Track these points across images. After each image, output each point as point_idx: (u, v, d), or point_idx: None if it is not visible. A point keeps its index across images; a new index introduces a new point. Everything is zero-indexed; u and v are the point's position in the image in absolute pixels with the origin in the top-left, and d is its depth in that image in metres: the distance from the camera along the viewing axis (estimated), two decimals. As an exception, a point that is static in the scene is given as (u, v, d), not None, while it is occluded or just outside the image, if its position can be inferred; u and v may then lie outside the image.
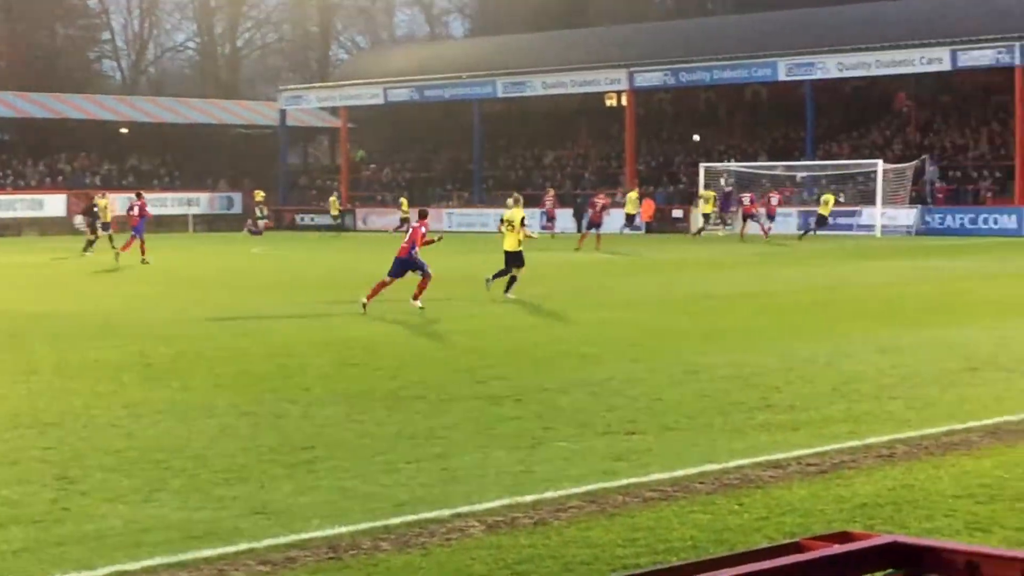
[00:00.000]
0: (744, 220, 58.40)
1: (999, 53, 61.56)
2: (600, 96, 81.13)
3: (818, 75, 66.87)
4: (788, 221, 63.53)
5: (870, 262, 41.03)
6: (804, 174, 66.17)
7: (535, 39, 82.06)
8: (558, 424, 13.43)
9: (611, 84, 74.83)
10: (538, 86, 76.22)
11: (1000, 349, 18.89)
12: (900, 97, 73.32)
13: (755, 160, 70.06)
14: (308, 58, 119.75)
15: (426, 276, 26.25)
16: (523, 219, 29.53)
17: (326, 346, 20.20)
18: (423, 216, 28.09)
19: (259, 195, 62.49)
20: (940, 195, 63.24)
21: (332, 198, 74.22)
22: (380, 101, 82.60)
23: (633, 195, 61.68)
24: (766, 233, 56.19)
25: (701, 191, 62.57)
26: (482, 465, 11.60)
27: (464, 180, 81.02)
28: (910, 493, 10.34)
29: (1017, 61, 60.96)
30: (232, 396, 15.41)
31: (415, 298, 26.16)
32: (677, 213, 68.16)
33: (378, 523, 9.71)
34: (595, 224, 51.41)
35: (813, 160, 67.38)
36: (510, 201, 30.42)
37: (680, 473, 11.19)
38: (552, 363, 18.02)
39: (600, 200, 52.85)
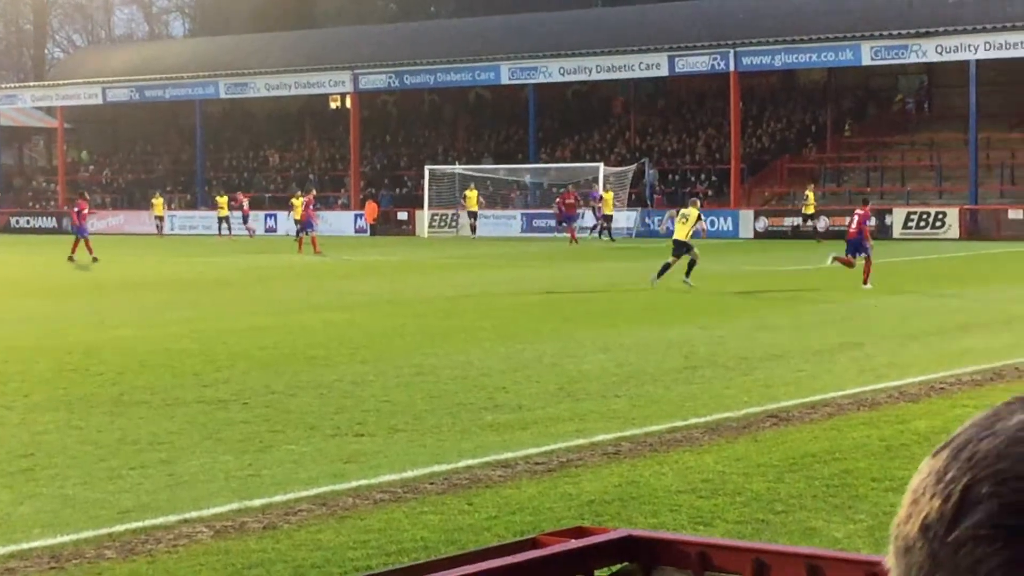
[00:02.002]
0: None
1: (714, 59, 63.29)
2: (324, 98, 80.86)
3: (540, 79, 67.76)
4: (512, 224, 64.32)
5: (592, 263, 41.73)
6: (529, 177, 66.99)
7: (258, 39, 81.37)
8: (286, 427, 13.31)
9: (335, 86, 74.61)
10: (261, 87, 75.56)
11: (718, 348, 19.38)
12: (620, 101, 74.84)
13: (480, 162, 70.68)
14: (22, 56, 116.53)
15: (870, 258, 30.20)
16: (699, 216, 32.36)
17: (45, 351, 19.66)
18: (866, 203, 32.41)
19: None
20: (659, 197, 64.72)
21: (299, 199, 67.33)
22: (99, 101, 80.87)
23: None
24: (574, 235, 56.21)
25: (601, 192, 59.43)
26: (209, 470, 11.42)
27: (186, 182, 79.87)
28: (636, 489, 10.53)
29: (731, 67, 62.75)
30: (-54, 404, 14.89)
31: (864, 282, 29.58)
32: (402, 215, 68.29)
33: (102, 531, 9.48)
34: (305, 225, 51.11)
35: (537, 163, 68.29)
36: (692, 201, 33.54)
37: (410, 474, 11.19)
38: (279, 366, 17.86)
39: (305, 199, 52.63)
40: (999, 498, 0.86)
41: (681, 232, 31.76)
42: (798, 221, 58.35)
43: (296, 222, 59.54)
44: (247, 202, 66.54)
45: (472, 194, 62.02)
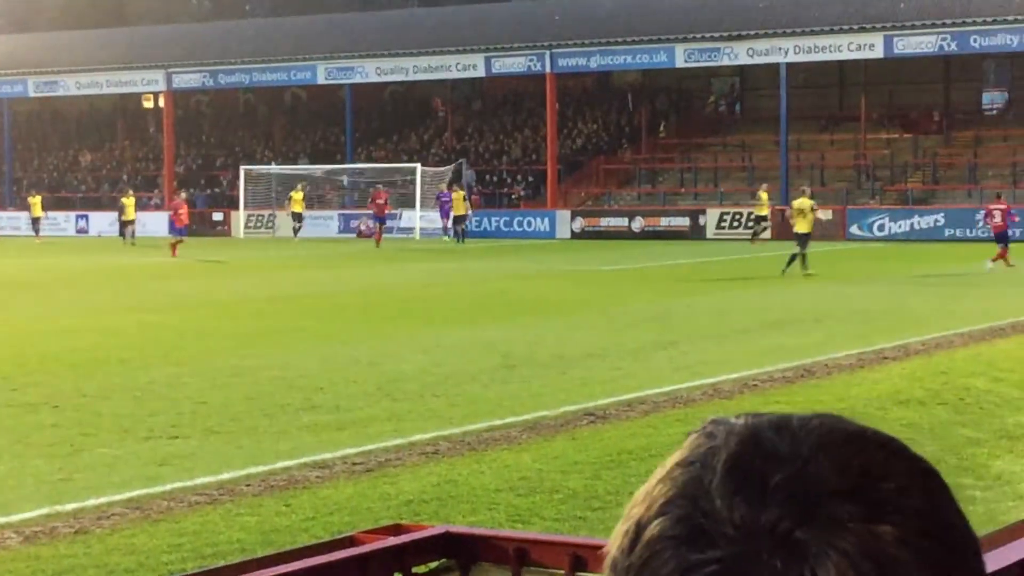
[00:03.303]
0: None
1: (530, 60, 63.62)
2: (137, 97, 79.69)
3: (357, 79, 67.53)
4: (330, 224, 63.99)
5: (411, 264, 41.70)
6: (346, 178, 66.72)
7: (68, 37, 79.87)
8: (99, 430, 13.08)
9: (148, 85, 73.54)
10: (72, 86, 74.20)
11: (536, 347, 19.48)
12: (437, 102, 74.91)
13: (296, 163, 70.25)
14: None
15: (1006, 248, 33.96)
16: (812, 206, 34.82)
17: None
18: (999, 197, 37.28)
19: None
20: (477, 198, 64.87)
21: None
22: (-98, 99, 78.73)
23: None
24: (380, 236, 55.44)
25: (452, 193, 58.55)
26: (19, 475, 11.18)
27: (-6, 182, 78.17)
28: (454, 488, 10.53)
29: (547, 68, 63.14)
30: None
31: (995, 259, 33.58)
32: (218, 216, 67.53)
33: (-94, 539, 9.22)
34: (179, 231, 50.64)
35: (354, 163, 68.05)
36: (805, 190, 36.89)
37: (226, 476, 11.07)
38: (91, 368, 17.54)
39: (174, 203, 52.11)
40: (666, 515, 0.91)
41: (802, 226, 34.11)
42: (665, 221, 58.23)
43: (124, 222, 58.37)
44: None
45: (298, 195, 61.48)
